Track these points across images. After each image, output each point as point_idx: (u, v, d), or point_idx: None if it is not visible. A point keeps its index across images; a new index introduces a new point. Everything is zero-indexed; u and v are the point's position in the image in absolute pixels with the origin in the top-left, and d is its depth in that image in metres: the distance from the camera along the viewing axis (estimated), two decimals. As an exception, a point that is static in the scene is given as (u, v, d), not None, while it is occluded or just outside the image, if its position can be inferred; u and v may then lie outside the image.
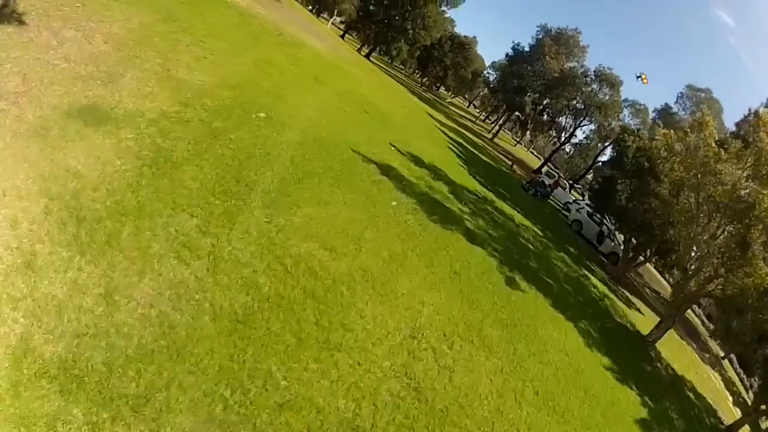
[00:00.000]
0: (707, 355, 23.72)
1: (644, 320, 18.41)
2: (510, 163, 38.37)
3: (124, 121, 8.10)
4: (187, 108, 9.51)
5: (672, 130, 16.73)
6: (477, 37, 67.82)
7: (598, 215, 27.77)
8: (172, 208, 6.90)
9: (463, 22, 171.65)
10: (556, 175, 38.76)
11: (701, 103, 40.21)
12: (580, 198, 42.91)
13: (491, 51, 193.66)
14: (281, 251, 7.34)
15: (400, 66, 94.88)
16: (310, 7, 55.65)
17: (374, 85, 25.21)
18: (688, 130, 16.27)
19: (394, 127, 18.65)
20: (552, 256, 17.32)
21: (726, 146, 15.22)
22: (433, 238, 10.99)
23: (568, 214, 29.45)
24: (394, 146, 15.61)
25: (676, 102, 43.06)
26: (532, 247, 16.29)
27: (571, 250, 21.09)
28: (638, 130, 31.75)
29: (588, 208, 28.79)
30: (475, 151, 30.55)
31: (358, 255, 8.45)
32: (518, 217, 18.97)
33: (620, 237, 26.79)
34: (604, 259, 25.54)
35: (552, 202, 32.66)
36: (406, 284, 8.60)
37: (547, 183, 32.94)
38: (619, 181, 25.58)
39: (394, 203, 11.23)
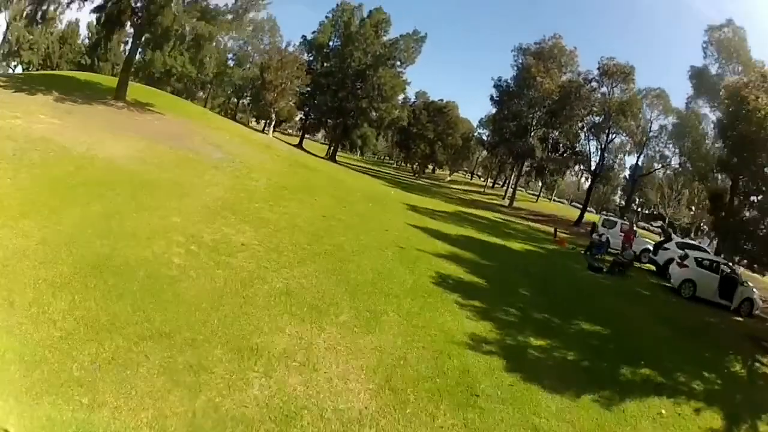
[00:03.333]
0: None
1: None
2: (552, 229, 26.70)
3: None
4: None
5: None
6: (457, 102, 61.13)
7: (706, 257, 17.61)
8: None
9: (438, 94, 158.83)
10: (616, 221, 24.45)
11: (729, 44, 28.54)
12: (660, 238, 29.11)
13: (477, 114, 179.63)
14: None
15: (388, 161, 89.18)
16: (259, 125, 50.28)
17: (254, 190, 14.36)
18: None
19: (176, 305, 6.51)
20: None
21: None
22: None
23: (653, 267, 19.96)
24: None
25: (705, 57, 30.62)
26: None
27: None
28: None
29: (698, 253, 17.99)
30: (498, 240, 19.05)
31: None
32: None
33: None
34: (738, 318, 15.10)
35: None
36: None
37: (611, 240, 20.83)
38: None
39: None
